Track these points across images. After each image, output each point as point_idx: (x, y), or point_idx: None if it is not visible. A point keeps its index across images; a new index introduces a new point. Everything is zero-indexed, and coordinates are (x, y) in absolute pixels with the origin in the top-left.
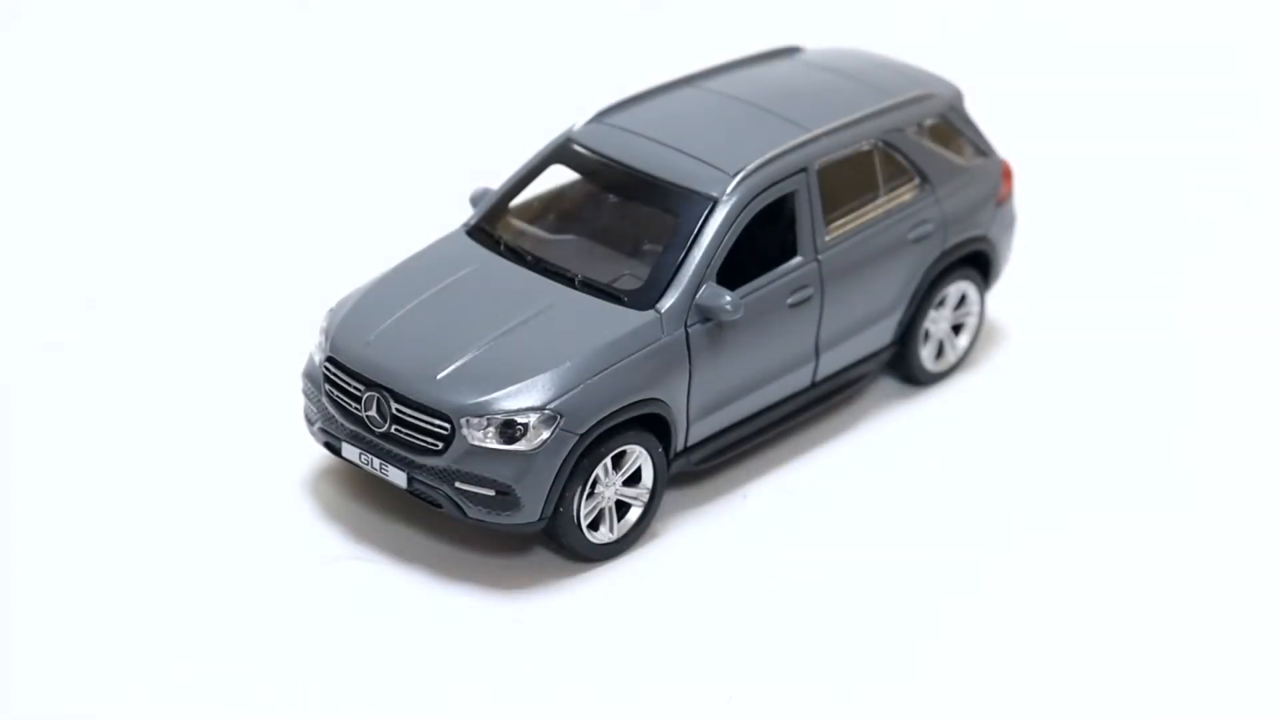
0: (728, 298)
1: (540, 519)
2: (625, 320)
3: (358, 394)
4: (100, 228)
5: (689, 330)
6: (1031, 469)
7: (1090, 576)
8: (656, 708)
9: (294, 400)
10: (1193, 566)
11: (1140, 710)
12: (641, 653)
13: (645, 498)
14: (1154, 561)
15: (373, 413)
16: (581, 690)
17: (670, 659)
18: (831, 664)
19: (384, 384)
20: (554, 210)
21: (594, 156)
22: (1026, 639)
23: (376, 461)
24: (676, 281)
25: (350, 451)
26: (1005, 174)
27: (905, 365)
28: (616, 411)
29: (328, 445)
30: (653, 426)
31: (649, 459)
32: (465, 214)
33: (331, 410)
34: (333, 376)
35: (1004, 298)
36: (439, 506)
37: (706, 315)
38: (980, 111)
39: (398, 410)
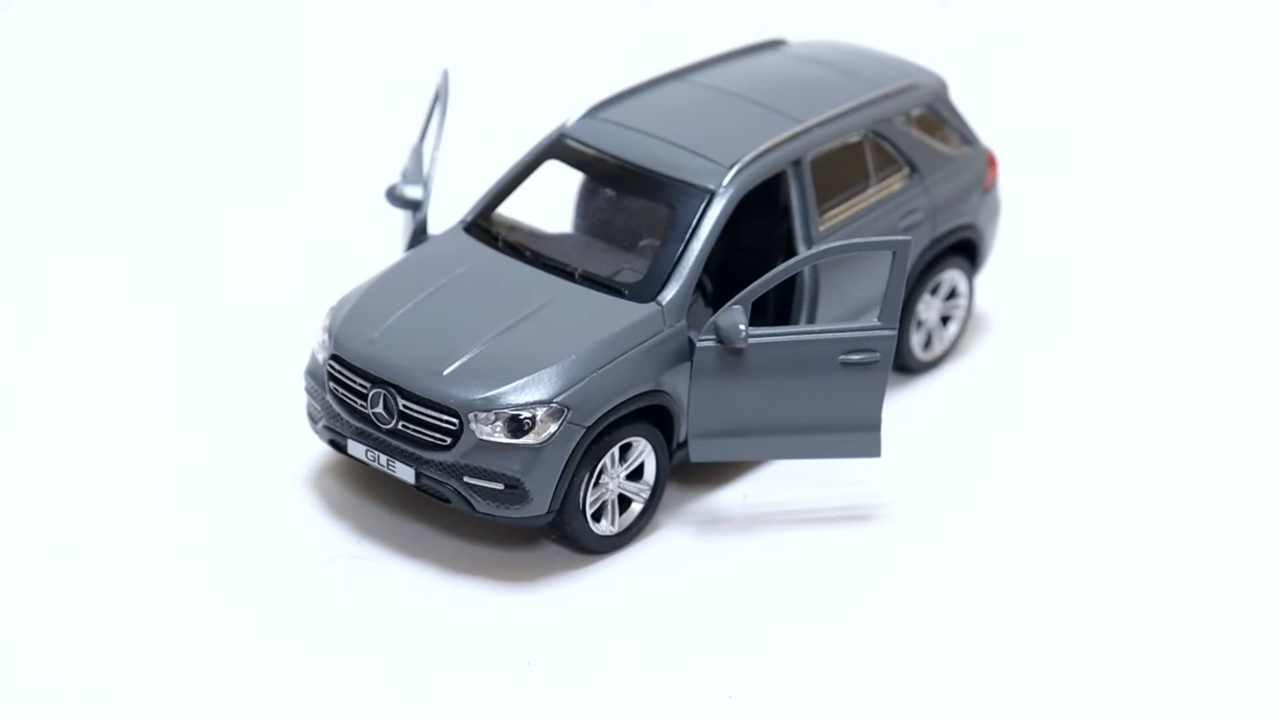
0: (743, 326)
1: (549, 512)
2: (627, 313)
3: (364, 391)
4: (102, 226)
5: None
6: (1022, 457)
7: (1078, 559)
8: (657, 706)
9: (296, 398)
10: (1176, 551)
11: (1122, 699)
12: (644, 650)
13: (646, 493)
14: (1138, 547)
15: (379, 409)
16: (585, 687)
17: (671, 657)
18: (831, 661)
19: (390, 381)
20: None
21: (589, 151)
22: (1023, 627)
23: (384, 458)
24: (676, 274)
25: (356, 448)
26: (990, 162)
27: (897, 353)
28: (622, 404)
29: (333, 443)
30: (656, 418)
31: (652, 451)
32: (462, 211)
33: (337, 408)
34: (337, 374)
35: (990, 287)
36: (447, 501)
37: (720, 336)
38: (964, 101)
39: (405, 407)
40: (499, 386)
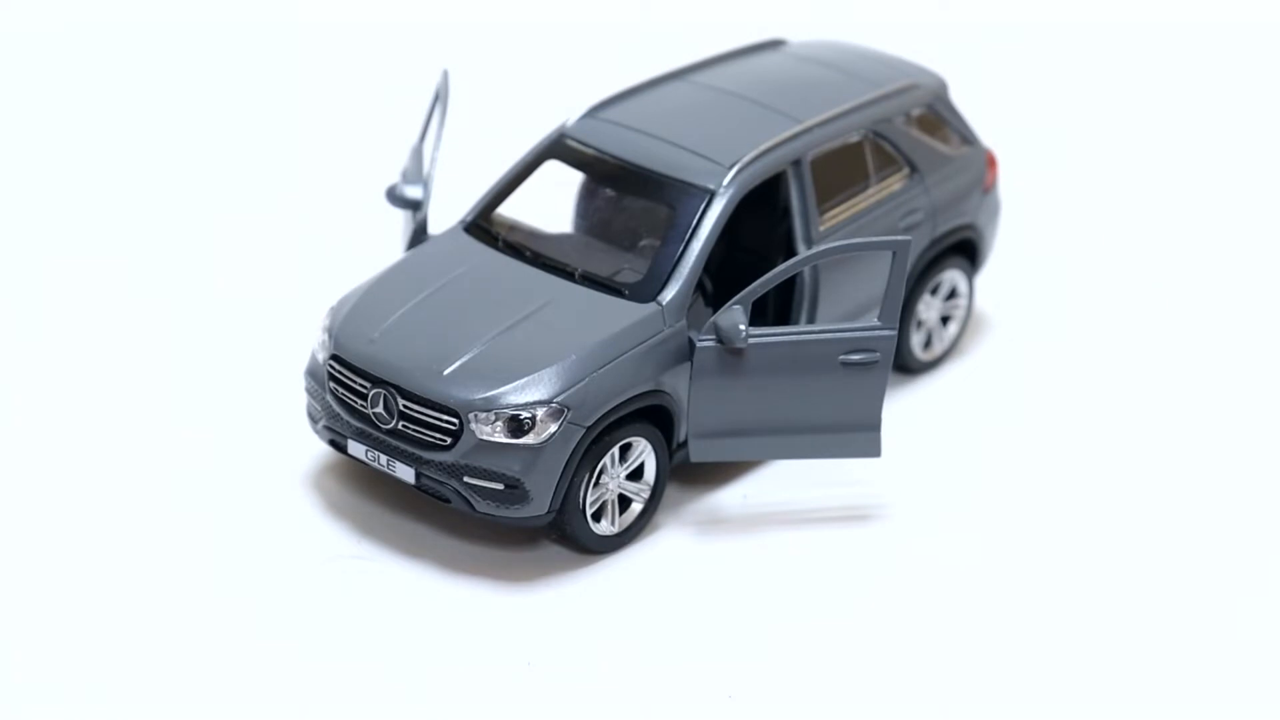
0: (743, 326)
1: (549, 512)
2: (627, 313)
3: (364, 391)
4: (102, 226)
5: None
6: (1022, 457)
7: (1078, 559)
8: (657, 706)
9: (296, 398)
10: (1176, 549)
11: (1122, 699)
12: (644, 650)
13: (647, 494)
14: (1138, 546)
15: (379, 409)
16: (585, 687)
17: (671, 657)
18: (831, 661)
19: (390, 381)
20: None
21: (589, 151)
22: (1022, 627)
23: (384, 458)
24: (676, 274)
25: (356, 448)
26: (990, 162)
27: (897, 353)
28: (622, 404)
29: (333, 443)
30: (656, 418)
31: (652, 451)
32: (462, 211)
33: (337, 408)
34: (338, 374)
35: (990, 287)
36: (447, 501)
37: (720, 336)
38: (964, 101)
39: (405, 407)
40: (499, 386)
